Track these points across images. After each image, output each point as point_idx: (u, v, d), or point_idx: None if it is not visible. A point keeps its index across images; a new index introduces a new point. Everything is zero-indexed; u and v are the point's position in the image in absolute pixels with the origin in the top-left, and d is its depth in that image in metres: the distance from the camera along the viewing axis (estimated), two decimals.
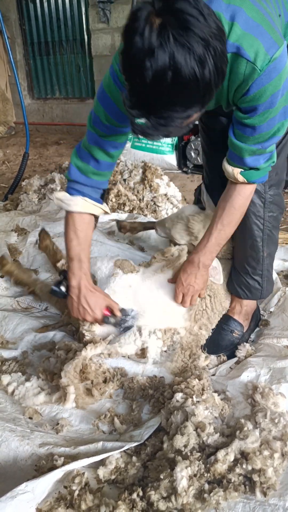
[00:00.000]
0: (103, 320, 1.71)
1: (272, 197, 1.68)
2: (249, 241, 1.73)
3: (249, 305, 1.90)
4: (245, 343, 1.83)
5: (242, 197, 1.57)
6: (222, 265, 1.88)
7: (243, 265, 1.80)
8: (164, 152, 4.62)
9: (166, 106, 1.06)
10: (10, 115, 6.90)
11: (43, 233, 2.45)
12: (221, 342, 1.84)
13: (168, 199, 3.30)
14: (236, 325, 1.86)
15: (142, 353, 1.76)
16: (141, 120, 1.10)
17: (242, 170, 1.50)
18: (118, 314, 1.73)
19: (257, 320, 1.98)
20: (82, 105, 6.66)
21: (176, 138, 4.61)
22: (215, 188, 1.78)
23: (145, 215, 3.11)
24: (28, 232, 2.82)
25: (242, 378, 1.58)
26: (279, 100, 1.32)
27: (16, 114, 6.99)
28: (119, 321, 1.75)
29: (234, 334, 1.84)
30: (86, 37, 6.37)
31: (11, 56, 4.08)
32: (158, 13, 0.98)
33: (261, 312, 2.07)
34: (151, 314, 1.79)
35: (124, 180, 3.35)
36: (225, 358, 1.82)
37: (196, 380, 1.53)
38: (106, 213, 1.75)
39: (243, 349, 1.79)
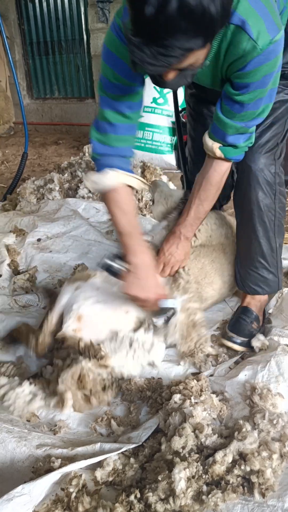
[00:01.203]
0: (158, 304, 1.65)
1: (281, 188, 1.72)
2: (264, 233, 1.74)
3: (263, 299, 1.92)
4: (260, 334, 1.82)
5: (218, 173, 1.62)
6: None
7: (258, 260, 1.80)
8: (163, 152, 4.61)
9: (168, 33, 1.03)
10: (11, 114, 6.90)
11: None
12: (242, 330, 1.83)
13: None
14: (254, 317, 1.87)
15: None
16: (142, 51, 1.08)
17: (221, 145, 1.55)
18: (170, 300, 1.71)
19: (266, 318, 1.98)
20: (81, 105, 6.66)
21: (175, 138, 4.60)
22: (198, 172, 1.78)
23: (144, 215, 3.10)
24: (27, 233, 2.82)
25: (240, 378, 1.57)
26: (270, 82, 1.38)
27: (15, 114, 6.98)
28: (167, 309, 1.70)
29: (253, 326, 1.84)
30: (85, 36, 6.36)
31: (10, 56, 4.07)
32: None
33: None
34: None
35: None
36: (226, 357, 1.80)
37: (194, 381, 1.52)
38: (144, 183, 1.69)
39: (260, 340, 1.78)
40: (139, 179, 1.64)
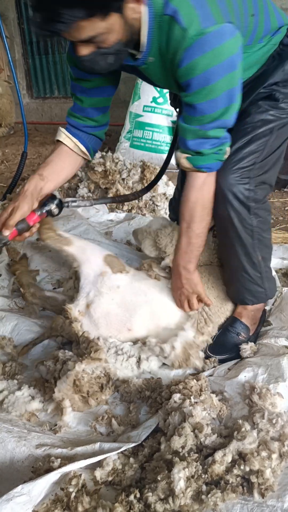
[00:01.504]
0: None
1: (258, 205, 1.63)
2: (241, 249, 1.68)
3: (256, 309, 1.87)
4: (248, 342, 1.82)
5: (194, 188, 1.56)
6: (206, 271, 1.87)
7: (241, 273, 1.75)
8: (163, 152, 4.61)
9: (53, 1, 1.17)
10: (10, 115, 6.89)
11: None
12: (227, 344, 1.82)
13: (167, 198, 3.29)
14: (242, 328, 1.84)
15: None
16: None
17: (189, 155, 1.50)
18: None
19: (262, 323, 1.96)
20: None
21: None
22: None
23: (144, 215, 3.10)
24: None
25: (240, 378, 1.57)
26: (218, 80, 1.33)
27: (15, 113, 6.97)
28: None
29: (240, 337, 1.82)
30: None
31: (9, 56, 4.07)
32: None
33: None
34: (138, 318, 1.77)
35: (123, 179, 3.34)
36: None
37: (194, 380, 1.52)
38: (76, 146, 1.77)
39: (247, 348, 1.77)
40: (75, 144, 1.76)
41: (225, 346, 1.82)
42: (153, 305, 1.78)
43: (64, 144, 1.76)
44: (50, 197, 1.74)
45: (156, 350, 1.68)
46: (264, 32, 1.52)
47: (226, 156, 1.54)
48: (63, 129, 1.77)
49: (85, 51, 1.32)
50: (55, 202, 1.73)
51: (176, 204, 1.97)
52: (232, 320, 1.87)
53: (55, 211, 1.74)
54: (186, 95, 1.39)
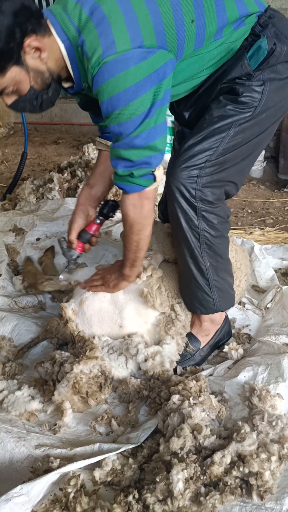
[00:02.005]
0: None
1: (206, 207, 1.58)
2: (188, 252, 1.64)
3: (210, 320, 1.80)
4: (230, 341, 1.82)
5: (124, 204, 1.54)
6: (176, 269, 1.85)
7: (189, 278, 1.70)
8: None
9: None
10: (10, 116, 6.88)
11: (27, 261, 2.44)
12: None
13: None
14: (190, 339, 1.79)
15: None
16: None
17: (114, 173, 1.51)
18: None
19: (224, 337, 1.87)
20: None
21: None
22: None
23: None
24: (26, 232, 2.82)
25: (240, 379, 1.57)
26: (124, 106, 1.34)
27: (14, 114, 6.97)
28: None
29: (187, 349, 1.78)
30: None
31: None
32: None
33: (259, 311, 2.07)
34: (126, 315, 1.77)
35: None
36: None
37: (193, 381, 1.52)
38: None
39: (230, 347, 1.78)
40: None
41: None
42: (135, 302, 1.78)
43: (102, 150, 1.83)
44: (104, 203, 1.85)
45: (132, 352, 1.69)
46: (217, 28, 1.46)
47: (151, 182, 1.49)
48: (98, 138, 1.83)
49: (8, 100, 1.43)
50: (109, 205, 1.83)
51: (164, 206, 1.97)
52: None
53: (111, 214, 1.83)
54: (103, 117, 1.43)
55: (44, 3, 6.44)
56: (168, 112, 4.67)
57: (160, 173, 1.50)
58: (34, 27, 1.32)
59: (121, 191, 1.55)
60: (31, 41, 1.32)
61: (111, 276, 1.79)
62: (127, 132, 1.38)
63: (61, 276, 1.91)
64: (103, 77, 1.32)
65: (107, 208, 1.83)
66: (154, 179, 1.50)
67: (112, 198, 1.81)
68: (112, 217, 1.85)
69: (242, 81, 1.51)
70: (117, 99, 1.34)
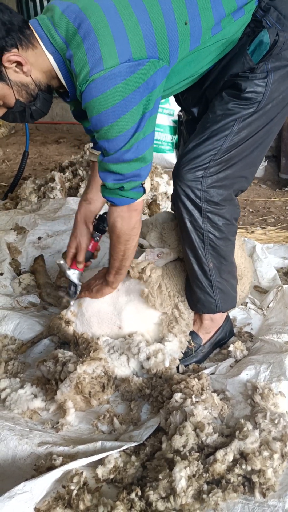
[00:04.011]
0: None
1: (211, 208, 1.59)
2: (192, 252, 1.66)
3: (211, 319, 1.81)
4: (236, 340, 1.82)
5: (111, 215, 1.55)
6: (182, 266, 1.85)
7: (193, 278, 1.71)
8: (164, 151, 4.62)
9: None
10: None
11: (38, 259, 2.47)
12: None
13: (168, 197, 3.29)
14: (193, 337, 1.80)
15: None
16: None
17: (102, 185, 1.50)
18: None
19: (226, 336, 1.88)
20: None
21: (176, 137, 4.60)
22: None
23: (145, 214, 3.10)
24: (27, 231, 2.82)
25: (242, 377, 1.57)
26: (112, 123, 1.34)
27: None
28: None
29: (188, 345, 1.78)
30: None
31: None
32: None
33: (261, 310, 2.07)
34: (125, 316, 1.78)
35: None
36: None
37: (196, 379, 1.53)
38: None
39: (235, 346, 1.78)
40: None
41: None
42: (136, 302, 1.79)
43: (95, 161, 1.78)
44: (99, 218, 1.85)
45: (134, 351, 1.69)
46: (214, 23, 1.42)
47: (141, 195, 1.51)
48: (91, 149, 1.82)
49: None
50: (104, 219, 1.82)
51: None
52: None
53: (107, 229, 1.81)
54: (93, 131, 1.42)
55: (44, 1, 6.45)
56: (169, 111, 4.66)
57: (148, 185, 1.52)
58: (14, 41, 1.31)
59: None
60: (9, 56, 1.30)
61: (95, 281, 1.81)
62: (117, 147, 1.38)
63: (71, 302, 1.87)
64: (91, 94, 1.30)
65: (103, 223, 1.83)
66: (144, 191, 1.50)
67: (105, 212, 1.82)
68: None
69: (245, 74, 1.48)
70: (106, 116, 1.33)
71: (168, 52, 1.37)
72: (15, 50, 1.31)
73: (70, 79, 1.40)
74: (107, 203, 1.61)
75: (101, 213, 1.86)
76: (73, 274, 1.82)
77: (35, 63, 1.36)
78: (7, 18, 1.29)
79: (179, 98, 1.78)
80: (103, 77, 1.28)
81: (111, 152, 1.39)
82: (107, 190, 1.49)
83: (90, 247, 1.84)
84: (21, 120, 1.48)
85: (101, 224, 1.83)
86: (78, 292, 1.84)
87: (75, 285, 1.83)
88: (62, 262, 1.82)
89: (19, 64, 1.33)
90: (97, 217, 1.85)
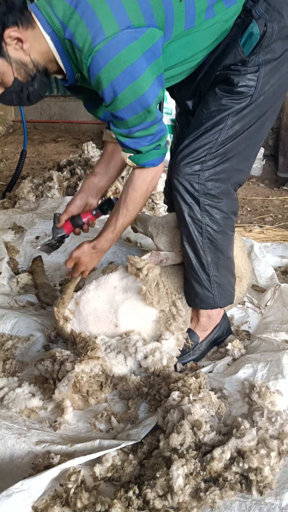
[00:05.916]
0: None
1: (209, 201, 1.60)
2: (190, 246, 1.67)
3: (207, 316, 1.82)
4: (234, 339, 1.82)
5: (141, 180, 1.58)
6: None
7: (191, 272, 1.71)
8: None
9: None
10: (9, 114, 6.87)
11: (38, 260, 2.47)
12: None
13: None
14: (190, 334, 1.80)
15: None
16: None
17: (132, 154, 1.53)
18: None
19: (223, 334, 1.88)
20: (80, 103, 6.55)
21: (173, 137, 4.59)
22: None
23: (143, 212, 3.10)
24: (25, 230, 2.82)
25: (239, 375, 1.58)
26: (125, 89, 1.36)
27: (14, 112, 6.96)
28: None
29: (186, 343, 1.78)
30: None
31: None
32: None
33: (258, 309, 2.07)
34: (122, 314, 1.78)
35: (122, 177, 3.35)
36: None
37: (193, 378, 1.53)
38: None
39: (233, 345, 1.78)
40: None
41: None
42: (133, 300, 1.79)
43: (108, 141, 1.82)
44: (106, 200, 1.87)
45: (131, 350, 1.69)
46: (207, 5, 1.46)
47: (168, 146, 1.56)
48: (106, 130, 1.83)
49: None
50: (109, 202, 1.85)
51: (169, 189, 1.94)
52: None
53: (109, 212, 1.82)
54: (105, 105, 1.43)
55: None
56: (168, 110, 4.66)
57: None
58: (15, 19, 1.32)
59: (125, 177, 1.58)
60: (11, 32, 1.32)
61: (87, 259, 1.77)
62: (135, 112, 1.40)
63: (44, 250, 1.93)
64: (98, 66, 1.32)
65: (107, 205, 1.84)
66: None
67: (113, 196, 1.81)
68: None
69: (237, 67, 1.52)
70: (116, 84, 1.35)
71: (165, 24, 1.40)
72: (15, 27, 1.33)
73: (67, 61, 1.41)
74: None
75: (112, 198, 1.88)
76: (57, 230, 1.84)
77: (33, 44, 1.38)
78: None
79: (173, 92, 1.81)
80: (106, 45, 1.31)
81: (131, 118, 1.41)
82: (143, 156, 1.51)
83: (86, 218, 1.84)
84: (18, 102, 1.48)
85: (105, 206, 1.85)
86: (53, 243, 1.87)
87: (56, 240, 1.86)
88: (58, 215, 1.84)
89: (19, 41, 1.35)
90: (104, 198, 1.89)
